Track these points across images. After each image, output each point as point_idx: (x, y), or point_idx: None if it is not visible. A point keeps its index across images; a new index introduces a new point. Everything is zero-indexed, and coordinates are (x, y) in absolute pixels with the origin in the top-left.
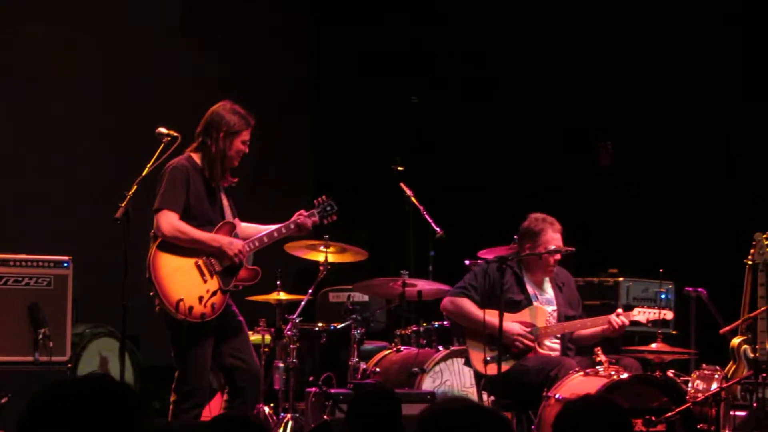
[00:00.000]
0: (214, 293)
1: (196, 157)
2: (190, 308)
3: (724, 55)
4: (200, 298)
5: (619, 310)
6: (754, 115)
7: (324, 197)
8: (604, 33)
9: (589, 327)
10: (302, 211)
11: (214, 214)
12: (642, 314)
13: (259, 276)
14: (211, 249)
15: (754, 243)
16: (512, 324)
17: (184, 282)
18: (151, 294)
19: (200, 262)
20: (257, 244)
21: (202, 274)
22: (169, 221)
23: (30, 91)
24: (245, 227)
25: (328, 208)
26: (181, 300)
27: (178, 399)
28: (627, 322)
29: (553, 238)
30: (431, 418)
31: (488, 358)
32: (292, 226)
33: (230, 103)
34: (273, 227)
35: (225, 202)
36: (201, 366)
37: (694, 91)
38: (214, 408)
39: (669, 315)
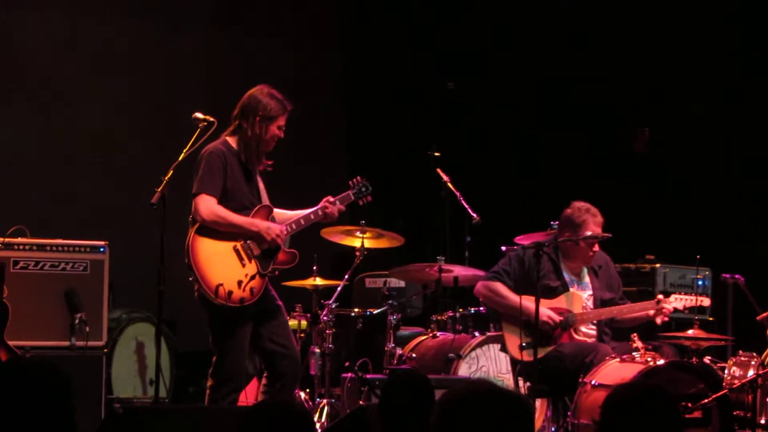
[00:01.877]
0: (252, 277)
1: (232, 141)
2: (230, 293)
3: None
4: (239, 283)
5: (661, 296)
6: None
7: (359, 178)
8: (644, 16)
9: (626, 313)
10: (329, 197)
11: (252, 197)
12: (679, 301)
13: (296, 259)
14: (249, 233)
15: None
16: (543, 309)
17: (223, 266)
18: (190, 279)
19: (238, 246)
20: (294, 227)
21: (241, 259)
22: (208, 206)
23: (67, 80)
24: (277, 213)
25: (363, 189)
26: (221, 285)
27: (215, 384)
28: (671, 309)
29: (593, 231)
30: (452, 401)
31: (523, 345)
32: (320, 213)
33: (267, 88)
34: (305, 212)
35: (261, 185)
36: (239, 351)
37: (729, 77)
38: (250, 393)
39: (706, 302)
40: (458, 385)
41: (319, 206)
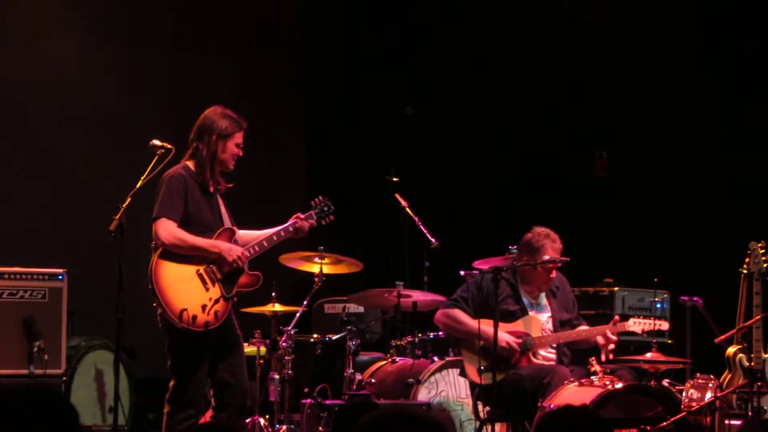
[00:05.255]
0: (216, 301)
1: (192, 165)
2: (194, 317)
3: (724, 66)
4: (203, 307)
5: (617, 317)
6: (750, 123)
7: (321, 198)
8: (601, 42)
9: (584, 337)
10: (299, 214)
11: (214, 220)
12: (637, 325)
13: (260, 281)
14: (211, 255)
15: (749, 252)
16: (501, 333)
17: (187, 291)
18: (154, 305)
19: (201, 270)
20: (258, 248)
21: (204, 283)
22: (168, 229)
23: (23, 105)
24: (242, 234)
25: (326, 209)
26: (185, 310)
27: (173, 410)
28: (616, 339)
29: (550, 256)
30: (364, 427)
31: (482, 368)
32: (291, 229)
33: (221, 108)
34: (271, 231)
35: (223, 208)
36: (200, 376)
37: (689, 101)
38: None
39: (665, 326)
40: (372, 412)
41: (289, 222)
